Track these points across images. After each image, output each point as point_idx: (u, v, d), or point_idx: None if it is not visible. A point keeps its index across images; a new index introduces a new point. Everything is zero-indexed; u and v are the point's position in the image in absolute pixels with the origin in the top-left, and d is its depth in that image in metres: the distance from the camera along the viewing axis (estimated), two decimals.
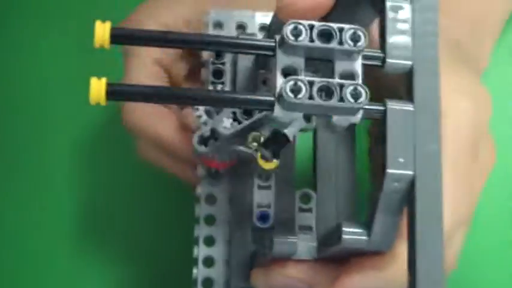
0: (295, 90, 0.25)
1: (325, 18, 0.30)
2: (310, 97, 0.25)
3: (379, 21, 0.27)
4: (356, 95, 0.25)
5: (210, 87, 0.36)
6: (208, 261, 0.35)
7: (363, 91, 0.25)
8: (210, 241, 0.35)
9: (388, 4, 0.26)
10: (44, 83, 0.46)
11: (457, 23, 0.37)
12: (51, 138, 0.45)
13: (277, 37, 0.26)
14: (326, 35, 0.25)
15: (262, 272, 0.32)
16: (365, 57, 0.26)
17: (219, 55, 0.37)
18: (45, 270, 0.43)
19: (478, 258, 0.41)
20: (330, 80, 0.25)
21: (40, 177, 0.44)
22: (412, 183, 0.25)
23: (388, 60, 0.26)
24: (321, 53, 0.26)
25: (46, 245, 0.43)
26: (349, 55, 0.25)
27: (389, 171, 0.25)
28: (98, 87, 0.25)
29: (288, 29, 0.25)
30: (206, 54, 0.37)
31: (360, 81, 0.25)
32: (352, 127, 0.36)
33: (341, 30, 0.25)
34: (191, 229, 0.35)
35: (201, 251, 0.35)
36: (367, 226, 0.27)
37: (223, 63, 0.36)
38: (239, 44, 0.26)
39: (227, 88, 0.36)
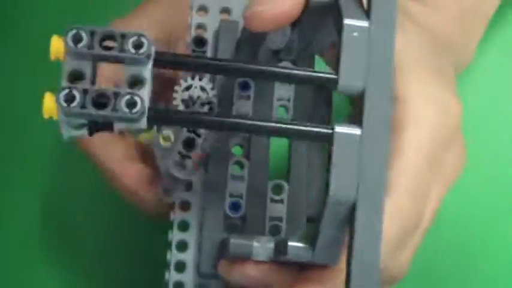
0: (70, 97, 0.25)
1: (293, 26, 0.30)
2: (83, 106, 0.25)
3: (336, 40, 0.27)
4: (132, 105, 0.25)
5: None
6: (182, 246, 0.36)
7: (138, 100, 0.25)
8: (184, 227, 0.36)
9: (346, 22, 0.27)
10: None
11: (446, 18, 0.37)
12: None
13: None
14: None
15: (226, 266, 0.33)
16: (319, 79, 0.26)
17: (201, 43, 0.37)
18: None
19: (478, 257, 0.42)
20: (106, 87, 0.25)
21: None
22: (353, 207, 0.26)
23: (341, 83, 0.26)
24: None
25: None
26: (137, 61, 0.26)
27: (331, 193, 0.26)
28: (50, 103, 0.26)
29: (68, 36, 0.26)
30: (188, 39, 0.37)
31: (147, 87, 0.26)
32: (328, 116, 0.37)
33: (123, 36, 0.26)
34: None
35: (174, 237, 0.36)
36: (312, 240, 0.27)
37: (204, 52, 0.37)
38: None
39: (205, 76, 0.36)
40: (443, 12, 0.37)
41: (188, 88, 0.36)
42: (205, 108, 0.35)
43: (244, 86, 0.37)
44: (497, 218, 0.41)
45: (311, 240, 0.27)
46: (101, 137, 0.37)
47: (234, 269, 0.32)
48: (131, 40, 0.26)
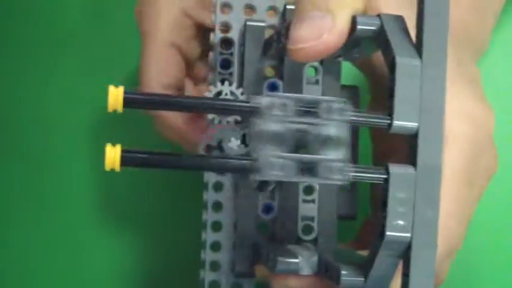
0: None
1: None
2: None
3: (389, 79, 0.27)
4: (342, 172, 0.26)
5: (218, 77, 0.37)
6: (215, 246, 0.37)
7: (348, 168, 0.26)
8: (217, 227, 0.37)
9: (399, 61, 0.27)
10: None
11: (460, 8, 0.37)
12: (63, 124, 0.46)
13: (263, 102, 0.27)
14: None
15: (265, 274, 0.34)
16: (372, 118, 0.27)
17: (228, 44, 0.37)
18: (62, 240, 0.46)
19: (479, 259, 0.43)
20: (314, 157, 0.26)
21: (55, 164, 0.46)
22: (408, 246, 0.27)
23: (395, 123, 0.27)
24: None
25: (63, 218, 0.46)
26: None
27: (387, 233, 0.27)
28: (115, 95, 0.26)
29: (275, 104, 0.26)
30: (213, 38, 0.37)
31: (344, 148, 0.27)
32: (353, 133, 0.37)
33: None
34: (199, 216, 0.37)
35: (208, 237, 0.37)
36: (365, 269, 0.28)
37: (231, 54, 0.37)
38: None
39: (234, 79, 0.36)
40: (457, 2, 0.36)
41: (218, 94, 0.36)
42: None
43: (273, 88, 0.37)
44: (498, 220, 0.43)
45: (363, 270, 0.29)
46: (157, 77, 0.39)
47: (277, 281, 0.33)
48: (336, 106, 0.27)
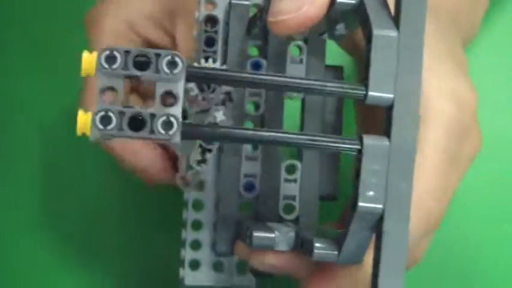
0: (106, 119, 0.25)
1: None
2: (120, 128, 0.25)
3: (366, 50, 0.27)
4: (168, 125, 0.25)
5: (202, 55, 0.36)
6: (196, 225, 0.37)
7: (174, 121, 0.25)
8: (198, 206, 0.37)
9: (376, 33, 0.27)
10: None
11: None
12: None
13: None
14: (142, 63, 0.26)
15: (244, 251, 0.34)
16: (348, 88, 0.27)
17: (212, 22, 0.37)
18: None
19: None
20: (141, 110, 0.25)
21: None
22: (381, 218, 0.27)
23: (370, 93, 0.27)
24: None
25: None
26: (171, 79, 0.26)
27: (360, 205, 0.26)
28: (84, 121, 0.26)
29: (102, 57, 0.26)
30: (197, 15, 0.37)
31: (180, 105, 0.26)
32: (339, 104, 0.37)
33: (158, 55, 0.26)
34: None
35: (189, 216, 0.37)
36: (339, 243, 0.28)
37: (215, 32, 0.37)
38: None
39: (218, 57, 0.36)
40: None
41: None
42: (220, 93, 0.35)
43: (256, 66, 0.37)
44: (496, 216, 0.43)
45: (337, 243, 0.28)
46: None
47: (254, 257, 0.32)
48: (165, 59, 0.25)
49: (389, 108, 0.27)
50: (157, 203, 0.43)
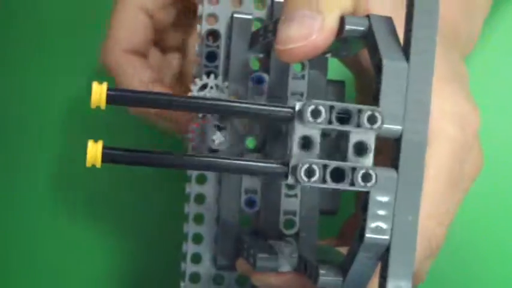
0: (310, 172, 0.26)
1: None
2: (323, 180, 0.26)
3: (375, 81, 0.27)
4: (366, 178, 0.26)
5: (203, 70, 0.36)
6: (197, 238, 0.37)
7: (373, 174, 0.26)
8: (199, 219, 0.37)
9: (386, 63, 0.27)
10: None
11: (449, 5, 0.36)
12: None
13: (296, 106, 0.27)
14: (344, 117, 0.26)
15: (245, 268, 0.34)
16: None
17: (214, 36, 0.37)
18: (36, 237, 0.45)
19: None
20: (342, 163, 0.26)
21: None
22: (387, 248, 0.27)
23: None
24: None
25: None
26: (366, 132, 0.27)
27: (367, 236, 0.27)
28: (99, 92, 0.26)
29: (307, 110, 0.26)
30: (199, 29, 0.36)
31: (371, 155, 0.27)
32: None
33: (360, 111, 0.26)
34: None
35: (190, 229, 0.37)
36: (344, 270, 0.29)
37: (217, 46, 0.36)
38: (255, 111, 0.27)
39: (220, 72, 0.36)
40: (447, 3, 0.36)
41: (204, 87, 0.36)
42: None
43: (259, 81, 0.37)
44: (498, 220, 0.43)
45: (341, 270, 0.29)
46: (128, 60, 0.39)
47: (257, 277, 0.33)
48: (367, 115, 0.26)
49: (397, 140, 0.27)
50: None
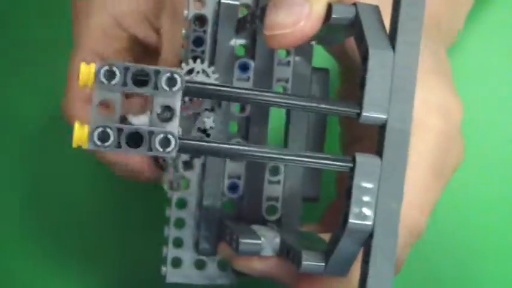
0: (104, 136, 0.25)
1: None
2: (119, 145, 0.26)
3: (361, 69, 0.27)
4: (165, 143, 0.26)
5: (190, 54, 0.36)
6: (179, 223, 0.37)
7: (172, 139, 0.26)
8: (182, 204, 0.37)
9: (372, 52, 0.27)
10: None
11: None
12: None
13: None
14: (141, 80, 0.26)
15: (228, 252, 0.34)
16: (342, 107, 0.27)
17: (201, 21, 0.37)
18: None
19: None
20: (141, 126, 0.26)
21: None
22: (370, 234, 0.27)
23: (364, 114, 0.27)
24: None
25: None
26: (169, 95, 0.26)
27: (350, 221, 0.27)
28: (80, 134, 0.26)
29: (101, 72, 0.25)
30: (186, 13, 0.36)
31: (177, 119, 0.26)
32: (322, 116, 0.37)
33: (157, 73, 0.26)
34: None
35: (172, 214, 0.37)
36: (326, 255, 0.29)
37: (204, 31, 0.36)
38: None
39: (206, 56, 0.36)
40: None
41: (190, 72, 0.36)
42: None
43: (244, 68, 0.37)
44: (496, 218, 0.43)
45: (324, 255, 0.29)
46: (85, 114, 0.37)
47: (239, 261, 0.33)
48: (165, 77, 0.25)
49: (381, 127, 0.27)
50: (142, 201, 0.44)
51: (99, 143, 0.25)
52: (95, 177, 0.44)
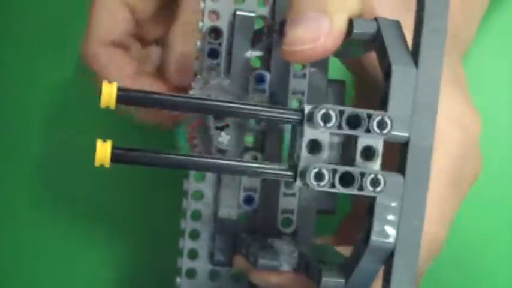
0: (319, 176, 0.26)
1: None
2: (332, 185, 0.26)
3: (384, 86, 0.27)
4: (375, 184, 0.26)
5: (205, 67, 0.36)
6: (194, 234, 0.37)
7: (381, 179, 0.26)
8: (197, 215, 0.37)
9: (395, 69, 0.27)
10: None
11: (452, 7, 0.37)
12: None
13: (305, 109, 0.27)
14: (354, 121, 0.26)
15: (244, 265, 0.34)
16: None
17: (216, 33, 0.36)
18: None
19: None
20: (351, 168, 0.26)
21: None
22: (392, 252, 0.27)
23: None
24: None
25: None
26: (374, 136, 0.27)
27: (373, 239, 0.27)
28: (109, 92, 0.26)
29: (318, 114, 0.26)
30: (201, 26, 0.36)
31: (379, 159, 0.27)
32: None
33: (369, 116, 0.26)
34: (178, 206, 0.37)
35: (187, 225, 0.37)
36: (347, 272, 0.29)
37: (219, 43, 0.36)
38: (264, 114, 0.27)
39: (222, 69, 0.36)
40: None
41: (205, 84, 0.36)
42: None
43: (260, 79, 0.37)
44: (499, 216, 0.43)
45: (344, 271, 0.29)
46: (106, 55, 0.38)
47: (257, 275, 0.33)
48: (376, 120, 0.26)
49: (404, 145, 0.27)
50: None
51: (315, 182, 0.26)
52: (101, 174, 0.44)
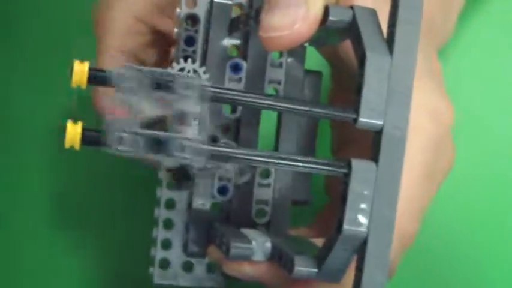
0: (121, 140, 0.25)
1: None
2: (137, 148, 0.25)
3: (358, 74, 0.27)
4: (183, 149, 0.26)
5: (181, 54, 0.36)
6: (168, 224, 0.37)
7: (188, 145, 0.25)
8: (171, 205, 0.37)
9: (369, 56, 0.27)
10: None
11: None
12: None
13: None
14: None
15: (217, 255, 0.34)
16: (338, 112, 0.27)
17: (193, 21, 0.36)
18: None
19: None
20: (158, 133, 0.25)
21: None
22: (364, 241, 0.27)
23: (360, 120, 0.27)
24: None
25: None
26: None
27: (345, 227, 0.27)
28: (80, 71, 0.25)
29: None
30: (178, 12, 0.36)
31: (196, 125, 0.26)
32: (314, 119, 0.37)
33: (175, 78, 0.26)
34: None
35: (161, 215, 0.36)
36: (319, 261, 0.28)
37: (196, 31, 0.36)
38: None
39: (198, 56, 0.36)
40: None
41: (181, 71, 0.35)
42: None
43: (236, 68, 0.36)
44: (494, 218, 0.43)
45: (317, 261, 0.29)
46: None
47: (230, 265, 0.33)
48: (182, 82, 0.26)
49: (378, 133, 0.27)
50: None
51: (116, 146, 0.25)
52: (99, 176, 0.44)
